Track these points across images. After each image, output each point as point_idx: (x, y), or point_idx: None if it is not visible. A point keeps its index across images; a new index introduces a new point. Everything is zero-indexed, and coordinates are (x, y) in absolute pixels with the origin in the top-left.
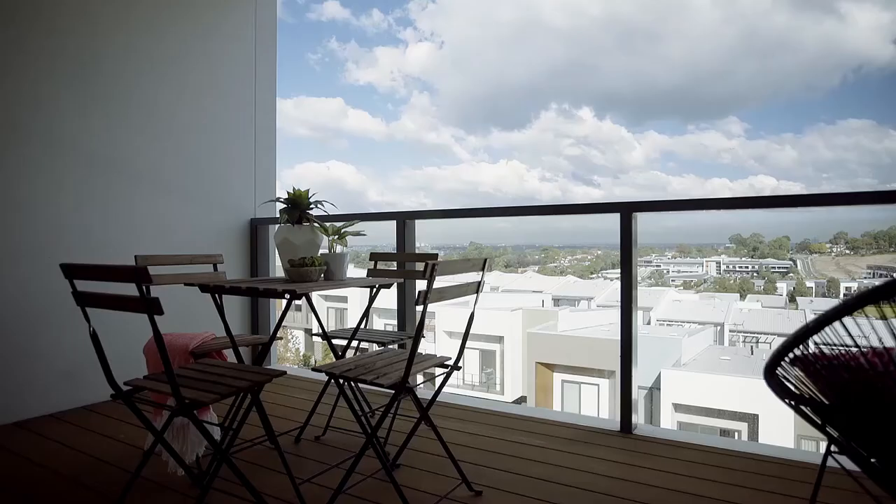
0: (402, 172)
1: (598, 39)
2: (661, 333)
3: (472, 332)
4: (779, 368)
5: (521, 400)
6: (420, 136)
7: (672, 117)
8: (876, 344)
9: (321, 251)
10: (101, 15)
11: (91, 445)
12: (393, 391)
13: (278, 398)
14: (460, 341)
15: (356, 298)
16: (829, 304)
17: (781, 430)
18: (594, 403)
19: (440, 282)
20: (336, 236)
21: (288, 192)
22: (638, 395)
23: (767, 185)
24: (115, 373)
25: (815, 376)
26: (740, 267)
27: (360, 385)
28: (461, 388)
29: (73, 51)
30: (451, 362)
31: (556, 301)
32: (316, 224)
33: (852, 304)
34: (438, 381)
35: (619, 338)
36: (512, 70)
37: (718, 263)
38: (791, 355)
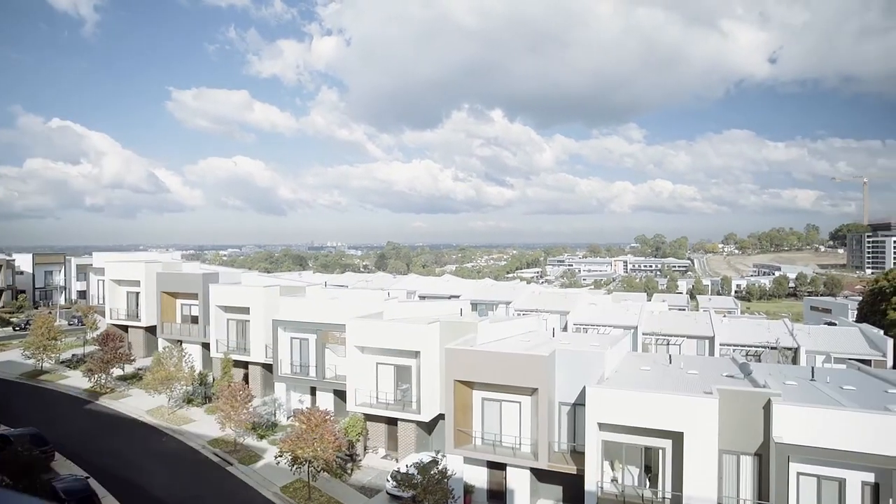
0: (313, 170)
1: (508, 41)
2: (584, 345)
3: (385, 346)
4: None
5: (438, 418)
6: (331, 133)
7: (577, 121)
8: None
9: None
10: None
11: None
12: None
13: None
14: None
15: (259, 309)
16: (724, 302)
17: (706, 446)
18: (516, 423)
19: None
20: None
21: None
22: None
23: (665, 189)
24: None
25: None
26: (645, 266)
27: None
28: (375, 406)
29: None
30: None
31: (475, 306)
32: None
33: None
34: None
35: (539, 352)
36: (422, 68)
37: (625, 263)
38: None
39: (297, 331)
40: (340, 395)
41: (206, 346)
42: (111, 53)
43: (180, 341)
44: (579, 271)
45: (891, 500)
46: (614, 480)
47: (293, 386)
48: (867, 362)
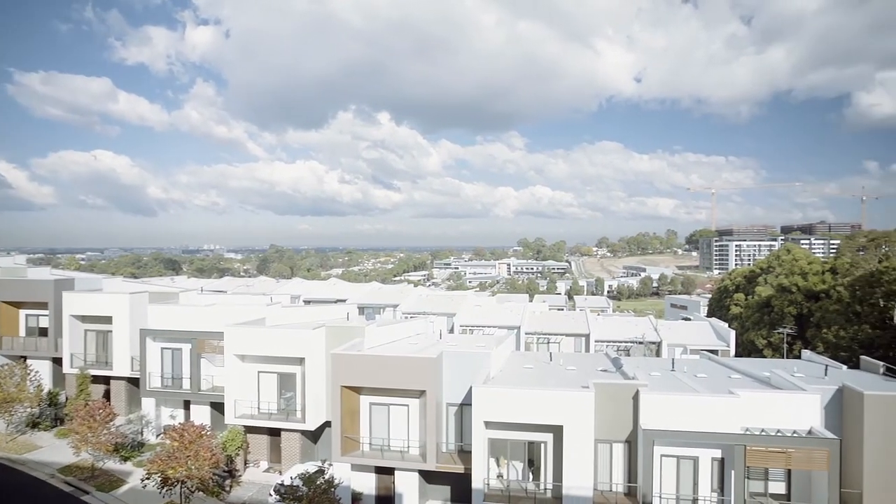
0: (188, 168)
1: (395, 44)
2: (470, 346)
3: (268, 354)
4: None
5: (325, 426)
6: (208, 130)
7: (463, 127)
8: None
9: None
10: None
11: None
12: None
13: None
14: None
15: (124, 318)
16: (598, 301)
17: (583, 437)
18: (404, 426)
19: None
20: None
21: None
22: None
23: (545, 195)
24: None
25: None
26: (527, 269)
27: None
28: (256, 418)
29: None
30: None
31: (362, 309)
32: None
33: None
34: None
35: (427, 354)
36: (307, 66)
37: (509, 265)
38: None
39: (168, 340)
40: (218, 407)
41: (57, 361)
42: None
43: (24, 357)
44: (465, 274)
45: (732, 472)
46: (500, 476)
47: (164, 400)
48: (715, 352)
